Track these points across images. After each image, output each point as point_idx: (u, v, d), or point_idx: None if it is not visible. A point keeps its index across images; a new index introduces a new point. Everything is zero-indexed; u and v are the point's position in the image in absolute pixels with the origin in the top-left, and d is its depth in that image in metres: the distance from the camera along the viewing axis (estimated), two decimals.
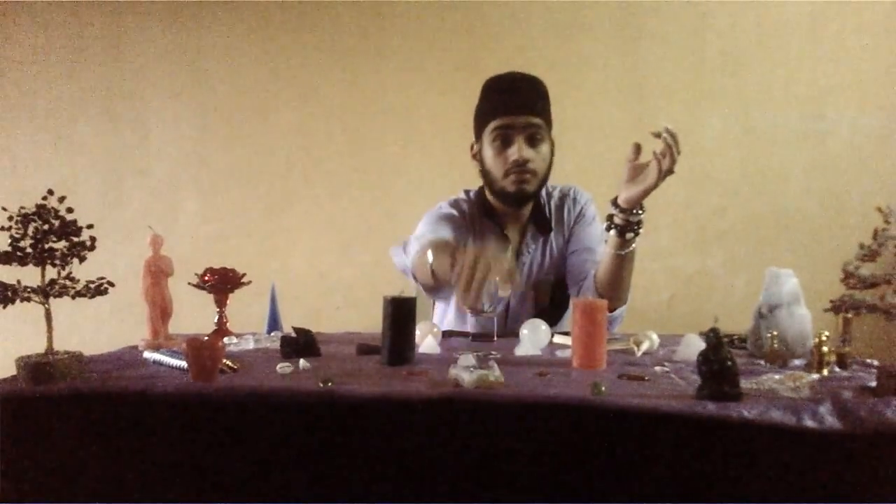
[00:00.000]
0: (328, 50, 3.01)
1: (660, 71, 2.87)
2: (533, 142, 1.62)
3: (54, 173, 3.07)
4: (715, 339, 0.92)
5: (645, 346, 1.29)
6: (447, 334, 1.52)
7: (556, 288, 1.74)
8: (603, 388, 0.93)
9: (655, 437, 0.88)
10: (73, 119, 3.11)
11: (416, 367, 1.15)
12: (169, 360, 1.15)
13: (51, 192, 1.07)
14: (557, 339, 1.41)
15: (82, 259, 1.09)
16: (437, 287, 1.49)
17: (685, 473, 0.87)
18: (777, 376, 0.96)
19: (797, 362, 1.16)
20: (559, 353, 1.28)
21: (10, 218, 1.05)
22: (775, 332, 1.16)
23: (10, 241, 1.05)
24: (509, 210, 1.72)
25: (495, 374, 0.97)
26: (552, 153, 1.69)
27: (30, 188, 1.19)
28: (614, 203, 1.44)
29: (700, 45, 2.86)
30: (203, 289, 1.42)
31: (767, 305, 1.20)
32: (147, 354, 1.21)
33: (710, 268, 2.87)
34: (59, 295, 1.06)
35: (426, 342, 1.33)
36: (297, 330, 1.27)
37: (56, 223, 1.06)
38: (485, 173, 1.69)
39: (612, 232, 1.46)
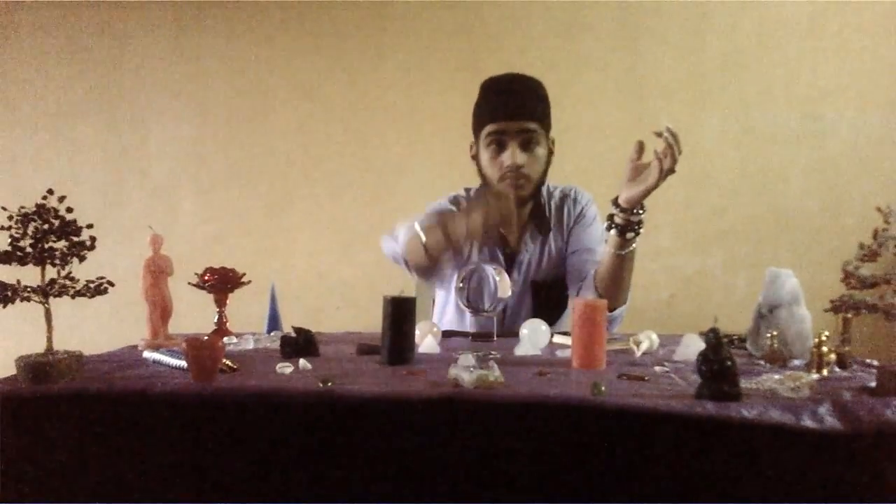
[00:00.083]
0: (328, 50, 3.01)
1: (660, 71, 2.87)
2: (527, 146, 1.63)
3: (54, 173, 3.07)
4: (715, 339, 0.92)
5: (645, 346, 1.29)
6: (447, 334, 1.52)
7: (554, 288, 1.74)
8: (603, 388, 0.93)
9: (655, 437, 0.88)
10: (73, 119, 3.11)
11: (415, 367, 1.15)
12: (169, 359, 1.15)
13: (50, 192, 1.07)
14: (557, 338, 1.41)
15: (82, 259, 1.08)
16: (431, 267, 1.50)
17: (685, 473, 0.87)
18: (777, 376, 0.96)
19: (797, 362, 1.16)
20: (559, 353, 1.28)
21: (10, 217, 1.05)
22: (775, 332, 1.16)
23: (9, 240, 1.05)
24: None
25: (495, 373, 0.97)
26: (550, 155, 1.70)
27: (30, 188, 1.19)
28: (615, 203, 1.44)
29: (700, 45, 2.86)
30: (203, 288, 1.42)
31: (767, 305, 1.20)
32: (147, 354, 1.21)
33: (710, 268, 2.87)
34: (59, 294, 1.06)
35: (426, 342, 1.33)
36: (296, 330, 1.27)
37: (56, 223, 1.06)
38: (482, 175, 1.69)
39: (613, 232, 1.46)
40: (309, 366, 1.13)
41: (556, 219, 1.76)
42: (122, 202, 3.09)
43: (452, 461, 0.91)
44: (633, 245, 1.48)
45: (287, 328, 1.36)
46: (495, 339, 1.42)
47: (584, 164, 2.68)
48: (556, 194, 1.79)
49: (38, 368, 1.01)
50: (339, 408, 0.94)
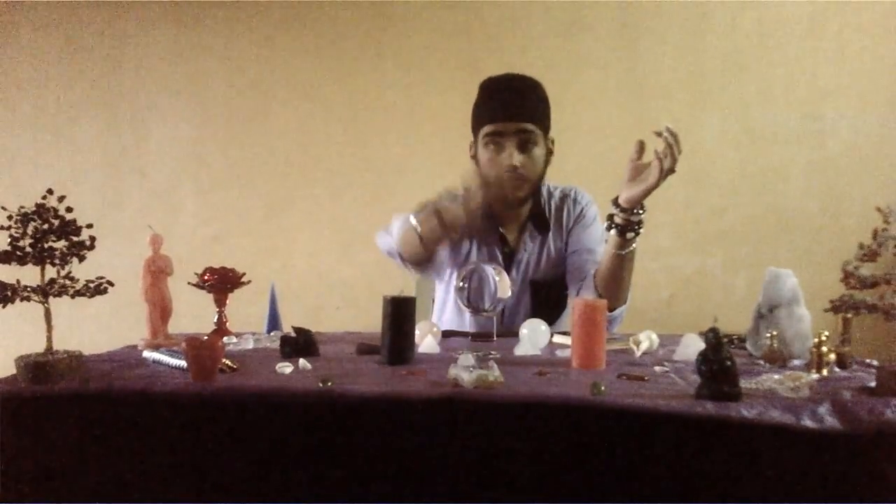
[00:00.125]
0: (328, 50, 3.01)
1: (660, 71, 2.87)
2: (525, 147, 1.63)
3: (54, 173, 3.07)
4: (714, 339, 0.92)
5: (644, 346, 1.29)
6: (447, 334, 1.52)
7: (553, 287, 1.74)
8: (603, 388, 0.93)
9: (655, 436, 0.88)
10: (73, 119, 3.11)
11: (415, 367, 1.15)
12: (168, 359, 1.15)
13: (50, 192, 1.07)
14: (557, 338, 1.41)
15: (82, 258, 1.08)
16: (426, 258, 1.51)
17: (685, 473, 0.87)
18: (776, 376, 0.96)
19: (797, 362, 1.16)
20: (559, 353, 1.28)
21: (10, 217, 1.05)
22: (775, 332, 1.16)
23: (9, 240, 1.05)
24: (507, 209, 1.72)
25: (495, 373, 0.97)
26: (548, 156, 1.70)
27: (30, 188, 1.19)
28: (615, 202, 1.45)
29: (700, 45, 2.86)
30: (203, 288, 1.42)
31: (767, 305, 1.20)
32: (146, 354, 1.21)
33: (710, 268, 2.87)
34: (59, 294, 1.06)
35: (426, 342, 1.33)
36: (296, 329, 1.27)
37: (55, 222, 1.06)
38: (482, 176, 1.69)
39: (613, 231, 1.46)
40: (309, 366, 1.13)
41: (555, 219, 1.76)
42: (121, 202, 3.09)
43: (452, 461, 0.91)
44: (634, 245, 1.48)
45: (287, 328, 1.36)
46: (495, 338, 1.42)
47: (584, 164, 2.68)
48: (557, 194, 1.79)
49: (37, 368, 1.01)
50: (338, 408, 0.94)
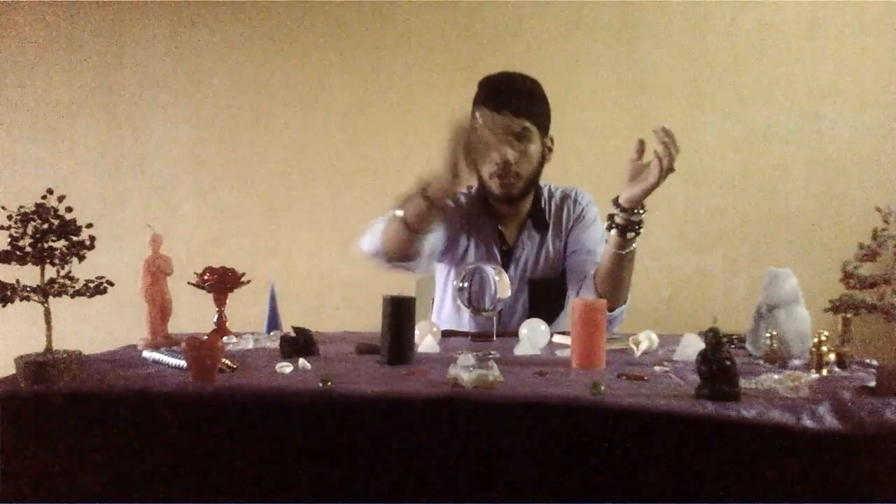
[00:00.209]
0: (328, 50, 3.01)
1: (660, 71, 2.87)
2: (519, 144, 1.63)
3: (54, 173, 3.07)
4: (714, 339, 0.92)
5: (644, 346, 1.29)
6: (447, 334, 1.52)
7: (552, 287, 1.74)
8: (602, 388, 0.93)
9: (655, 436, 0.88)
10: (73, 119, 3.11)
11: (415, 367, 1.15)
12: (168, 359, 1.15)
13: (50, 192, 1.07)
14: (557, 338, 1.41)
15: (81, 258, 1.08)
16: (411, 250, 1.50)
17: (684, 473, 0.87)
18: (776, 376, 0.96)
19: (796, 362, 1.16)
20: (558, 353, 1.28)
21: (10, 217, 1.05)
22: (774, 332, 1.16)
23: (9, 240, 1.05)
24: (506, 207, 1.73)
25: (494, 373, 0.97)
26: (545, 153, 1.70)
27: (29, 188, 1.19)
28: (615, 202, 1.45)
29: (700, 45, 2.86)
30: (202, 288, 1.42)
31: (767, 305, 1.20)
32: (146, 354, 1.21)
33: (710, 267, 2.87)
34: (59, 294, 1.06)
35: (425, 342, 1.33)
36: (296, 329, 1.27)
37: (55, 222, 1.06)
38: (477, 172, 1.70)
39: (613, 231, 1.46)
40: (308, 365, 1.13)
41: (555, 219, 1.76)
42: (121, 202, 3.09)
43: (452, 461, 0.91)
44: (634, 245, 1.48)
45: (287, 328, 1.36)
46: (495, 338, 1.42)
47: (584, 164, 2.69)
48: (558, 195, 1.79)
49: (37, 368, 1.01)
50: (338, 407, 0.94)
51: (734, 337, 1.37)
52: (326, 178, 3.02)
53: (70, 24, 3.09)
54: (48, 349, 1.06)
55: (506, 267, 1.69)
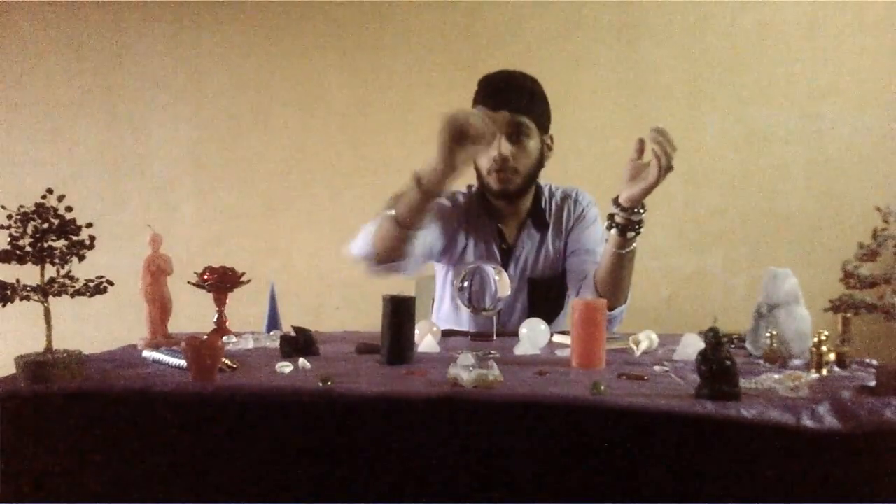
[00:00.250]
0: (328, 50, 3.01)
1: (660, 71, 2.87)
2: (517, 139, 1.63)
3: (54, 173, 3.07)
4: (714, 339, 0.92)
5: (644, 346, 1.29)
6: (447, 333, 1.52)
7: (551, 287, 1.74)
8: (602, 388, 0.93)
9: (655, 436, 0.88)
10: (73, 119, 3.11)
11: (415, 367, 1.15)
12: (168, 359, 1.15)
13: (50, 191, 1.07)
14: (557, 338, 1.41)
15: (81, 258, 1.08)
16: (403, 247, 1.50)
17: (684, 473, 0.87)
18: (776, 376, 0.96)
19: (796, 362, 1.16)
20: (558, 353, 1.28)
21: (10, 217, 1.05)
22: (774, 332, 1.16)
23: (9, 239, 1.05)
24: (506, 205, 1.73)
25: (494, 373, 0.97)
26: (544, 151, 1.70)
27: (29, 187, 1.19)
28: (615, 202, 1.45)
29: (700, 45, 2.86)
30: (202, 288, 1.42)
31: (766, 305, 1.20)
32: (146, 353, 1.21)
33: (709, 267, 2.87)
34: (59, 294, 1.06)
35: (425, 341, 1.33)
36: (296, 329, 1.27)
37: (55, 222, 1.06)
38: (475, 168, 1.70)
39: (613, 231, 1.46)
40: (308, 365, 1.13)
41: (555, 218, 1.76)
42: (122, 202, 3.09)
43: (452, 461, 0.91)
44: (634, 244, 1.48)
45: (286, 327, 1.36)
46: (494, 338, 1.42)
47: (584, 164, 2.69)
48: (558, 195, 1.79)
49: (37, 368, 1.01)
50: (338, 407, 0.94)
51: (734, 337, 1.37)
52: (326, 178, 3.02)
53: (70, 24, 3.09)
54: (48, 349, 1.06)
55: (505, 266, 1.70)
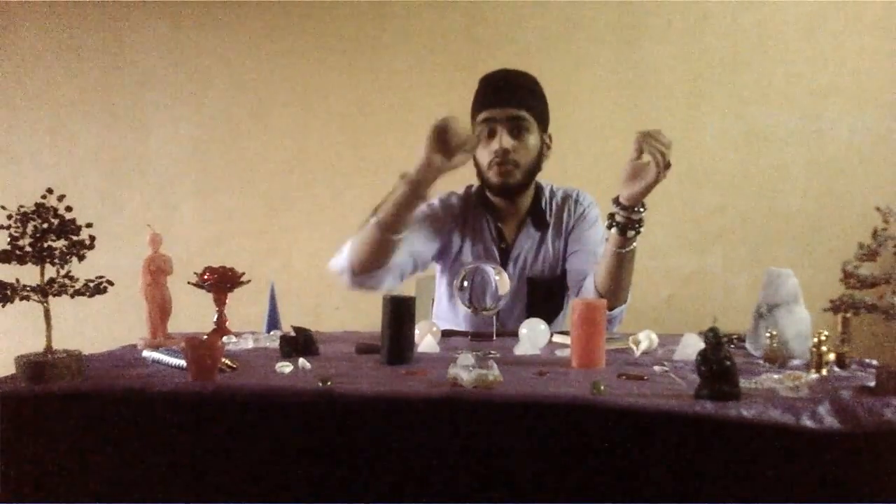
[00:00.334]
0: (328, 50, 3.01)
1: (660, 71, 2.87)
2: (517, 133, 1.64)
3: (53, 173, 3.07)
4: (714, 339, 0.92)
5: (644, 346, 1.29)
6: (446, 333, 1.52)
7: (550, 287, 1.74)
8: (602, 388, 0.93)
9: (655, 436, 0.88)
10: (73, 119, 3.11)
11: (415, 367, 1.15)
12: (168, 358, 1.15)
13: (50, 191, 1.07)
14: (556, 338, 1.41)
15: (81, 258, 1.08)
16: (384, 258, 1.53)
17: (684, 473, 0.87)
18: (776, 376, 0.96)
19: (796, 362, 1.16)
20: (558, 353, 1.28)
21: (10, 217, 1.05)
22: (774, 332, 1.16)
23: (9, 239, 1.05)
24: (505, 203, 1.73)
25: (494, 373, 0.97)
26: (543, 147, 1.71)
27: (29, 187, 1.19)
28: (616, 201, 1.45)
29: (700, 45, 2.86)
30: (202, 288, 1.42)
31: (766, 305, 1.20)
32: (146, 353, 1.21)
33: (709, 267, 2.87)
34: (58, 294, 1.06)
35: (425, 341, 1.33)
36: (296, 329, 1.27)
37: (55, 222, 1.06)
38: (476, 164, 1.70)
39: (614, 230, 1.46)
40: (308, 365, 1.13)
41: (556, 218, 1.76)
42: (121, 202, 3.09)
43: (452, 461, 0.91)
44: (634, 244, 1.48)
45: (286, 327, 1.36)
46: (494, 338, 1.42)
47: (583, 164, 2.69)
48: (559, 195, 1.79)
49: (37, 368, 1.01)
50: (338, 407, 0.94)
51: (734, 337, 1.37)
52: (326, 178, 3.02)
53: (70, 24, 3.09)
54: (48, 349, 1.06)
55: (503, 265, 1.70)
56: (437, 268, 1.86)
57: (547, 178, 1.79)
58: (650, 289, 2.81)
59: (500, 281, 1.29)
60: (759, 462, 0.86)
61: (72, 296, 1.07)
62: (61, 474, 0.97)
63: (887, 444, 0.85)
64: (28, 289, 1.05)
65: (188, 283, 1.41)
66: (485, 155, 1.67)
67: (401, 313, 1.20)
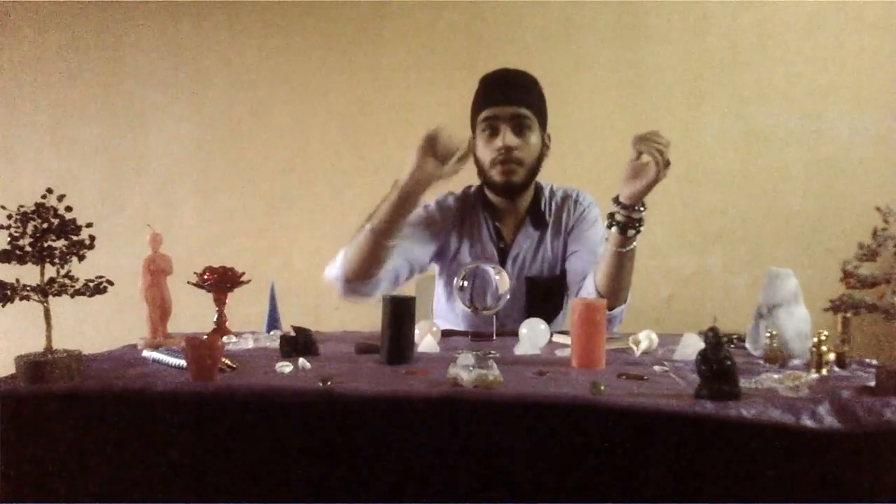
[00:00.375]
0: (328, 49, 3.01)
1: (660, 71, 2.87)
2: (520, 131, 1.65)
3: (53, 173, 3.07)
4: (714, 339, 0.92)
5: (644, 346, 1.29)
6: (446, 333, 1.52)
7: (550, 287, 1.74)
8: (602, 388, 0.93)
9: (654, 436, 0.88)
10: (73, 119, 3.11)
11: (415, 367, 1.15)
12: (168, 358, 1.15)
13: (49, 191, 1.07)
14: (556, 338, 1.41)
15: (81, 258, 1.08)
16: (377, 265, 1.55)
17: (684, 473, 0.87)
18: (776, 376, 0.96)
19: (796, 362, 1.16)
20: (558, 353, 1.28)
21: (10, 216, 1.05)
22: (774, 332, 1.16)
23: (9, 239, 1.05)
24: (505, 203, 1.73)
25: (494, 373, 0.97)
26: (544, 146, 1.71)
27: (29, 187, 1.19)
28: (616, 200, 1.45)
29: (700, 45, 2.86)
30: (202, 287, 1.42)
31: (767, 305, 1.20)
32: (146, 353, 1.21)
33: (709, 267, 2.87)
34: (58, 293, 1.06)
35: (425, 341, 1.33)
36: (296, 329, 1.27)
37: (55, 222, 1.06)
38: (477, 164, 1.70)
39: (614, 229, 1.47)
40: (308, 365, 1.13)
41: (555, 219, 1.76)
42: (122, 202, 3.09)
43: (452, 461, 0.91)
44: (634, 243, 1.48)
45: (286, 327, 1.36)
46: (494, 338, 1.42)
47: (583, 164, 2.69)
48: (559, 195, 1.80)
49: (37, 368, 1.01)
50: (338, 407, 0.94)
51: (734, 337, 1.37)
52: (326, 178, 3.02)
53: (70, 24, 3.09)
54: (48, 349, 1.06)
55: (502, 265, 1.70)
56: (436, 268, 1.86)
57: (547, 178, 1.79)
58: (650, 289, 2.81)
59: (500, 280, 1.29)
60: (759, 462, 0.86)
61: (72, 296, 1.07)
62: (61, 474, 0.97)
63: (887, 444, 0.85)
64: (28, 289, 1.05)
65: (188, 282, 1.41)
66: (487, 153, 1.67)
67: (401, 313, 1.20)
